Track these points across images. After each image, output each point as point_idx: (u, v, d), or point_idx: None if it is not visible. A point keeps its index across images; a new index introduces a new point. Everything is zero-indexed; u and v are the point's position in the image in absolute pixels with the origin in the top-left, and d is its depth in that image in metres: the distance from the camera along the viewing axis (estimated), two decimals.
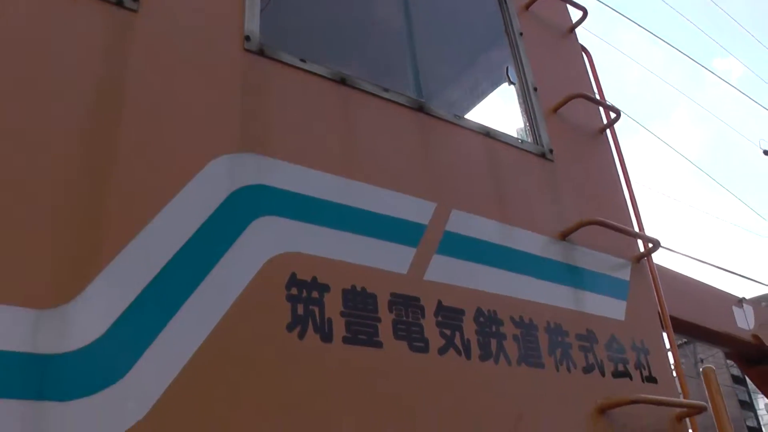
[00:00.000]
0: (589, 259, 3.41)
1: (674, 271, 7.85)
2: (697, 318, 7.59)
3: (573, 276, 3.27)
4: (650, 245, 3.72)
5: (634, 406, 3.04)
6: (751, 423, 37.30)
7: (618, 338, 3.27)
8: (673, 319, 7.18)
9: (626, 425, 3.05)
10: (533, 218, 3.29)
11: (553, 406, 2.85)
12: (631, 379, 3.21)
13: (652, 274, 3.79)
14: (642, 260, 3.72)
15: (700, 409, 3.30)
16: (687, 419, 3.38)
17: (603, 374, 3.10)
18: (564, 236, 3.34)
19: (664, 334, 3.70)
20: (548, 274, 3.16)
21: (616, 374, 3.16)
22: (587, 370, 3.05)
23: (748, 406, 37.23)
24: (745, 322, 8.77)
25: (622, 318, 3.37)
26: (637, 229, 3.87)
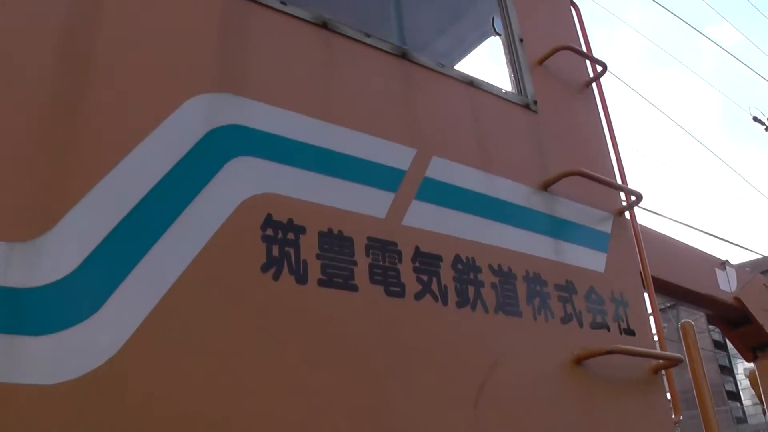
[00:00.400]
0: (570, 210, 3.39)
1: (657, 232, 7.87)
2: (678, 278, 7.62)
3: (553, 226, 3.26)
4: (633, 198, 3.71)
5: (610, 357, 3.05)
6: (730, 387, 37.70)
7: (597, 290, 3.27)
8: (654, 279, 7.24)
9: (602, 376, 3.06)
10: (515, 168, 3.26)
11: (529, 355, 2.85)
12: (608, 330, 3.22)
13: (634, 227, 3.78)
14: (624, 213, 3.71)
15: (676, 362, 3.31)
16: (663, 372, 3.40)
17: (581, 325, 3.10)
18: (546, 187, 3.31)
19: (646, 295, 3.71)
20: (528, 224, 3.14)
21: (594, 325, 3.17)
22: (565, 320, 3.05)
23: (728, 370, 37.54)
24: (727, 284, 8.82)
25: (602, 270, 3.36)
26: (620, 182, 3.85)
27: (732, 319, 9.05)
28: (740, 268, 9.29)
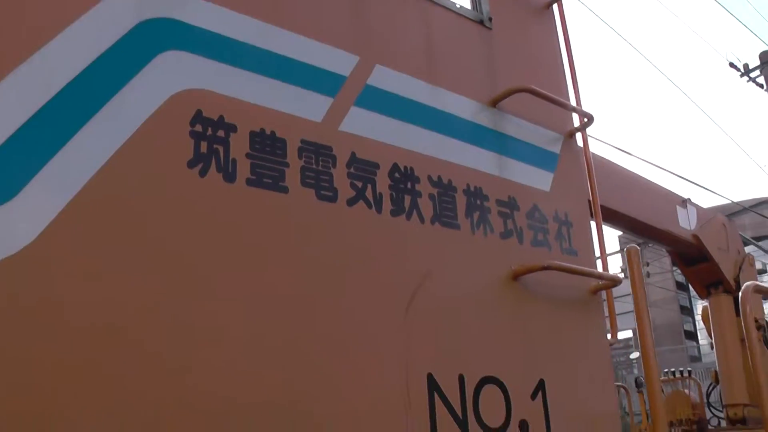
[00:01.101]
0: (519, 128, 3.35)
1: (620, 166, 7.89)
2: (636, 211, 7.67)
3: (500, 143, 3.22)
4: (585, 120, 3.68)
5: (550, 276, 3.06)
6: (688, 327, 38.66)
7: (540, 208, 3.26)
8: (611, 210, 7.28)
9: (539, 293, 3.07)
10: (463, 82, 3.20)
11: (464, 267, 2.85)
12: (549, 249, 3.22)
13: (585, 149, 3.75)
14: (575, 136, 3.68)
15: (614, 282, 3.33)
16: (603, 293, 3.43)
17: (521, 241, 3.10)
18: (494, 103, 3.26)
19: (607, 228, 3.72)
20: (473, 139, 3.10)
21: (535, 243, 3.17)
22: (505, 235, 3.04)
23: (688, 311, 38.46)
24: (687, 222, 8.89)
25: (548, 189, 3.35)
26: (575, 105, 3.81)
27: (689, 257, 9.16)
28: (702, 207, 9.37)
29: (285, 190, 2.41)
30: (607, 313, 3.63)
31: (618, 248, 28.02)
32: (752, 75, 22.38)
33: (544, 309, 3.09)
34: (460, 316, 2.76)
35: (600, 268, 3.55)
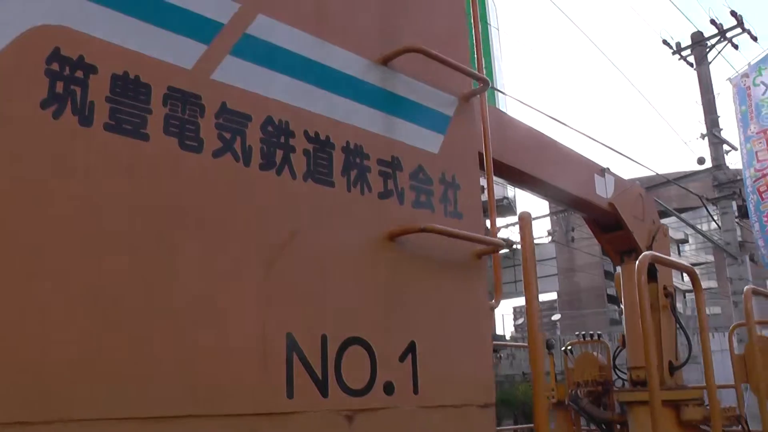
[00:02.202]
0: (410, 88, 3.32)
1: (537, 131, 7.96)
2: (551, 177, 7.78)
3: (388, 102, 3.19)
4: (481, 85, 3.66)
5: (432, 238, 3.07)
6: (611, 291, 39.72)
7: (426, 169, 3.24)
8: (523, 173, 7.37)
9: (419, 255, 3.07)
10: (354, 38, 3.13)
11: (336, 226, 2.82)
12: (432, 211, 3.22)
13: (482, 113, 3.74)
14: (472, 99, 3.67)
15: (497, 247, 3.37)
16: (489, 259, 3.46)
17: (401, 202, 3.09)
18: (385, 61, 3.23)
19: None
20: (359, 96, 3.06)
21: (417, 204, 3.16)
22: (384, 195, 3.03)
23: (611, 276, 39.52)
24: (604, 190, 9.06)
25: (436, 151, 3.34)
26: (476, 70, 3.79)
27: (605, 224, 9.35)
28: (620, 177, 9.55)
29: (146, 137, 2.34)
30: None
31: (548, 212, 28.57)
32: (684, 54, 22.88)
33: (422, 272, 3.10)
34: (327, 275, 2.74)
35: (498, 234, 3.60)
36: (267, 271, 2.54)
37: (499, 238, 3.41)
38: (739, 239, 21.55)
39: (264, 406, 2.42)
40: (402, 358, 2.88)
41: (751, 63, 16.36)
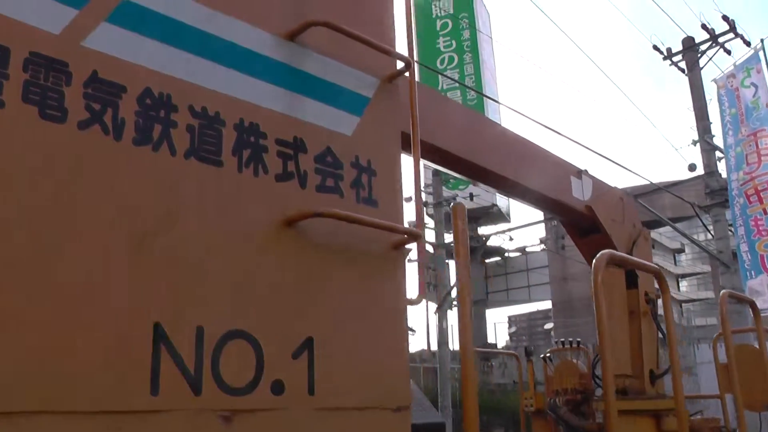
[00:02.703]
0: (321, 66, 3.08)
1: (508, 130, 7.76)
2: (522, 177, 7.56)
3: (293, 79, 2.95)
4: (402, 65, 3.43)
5: (343, 227, 2.84)
6: None
7: (336, 152, 3.01)
8: (489, 172, 7.13)
9: (324, 244, 2.83)
10: (254, 11, 2.91)
11: (222, 208, 2.57)
12: (341, 196, 2.98)
13: (411, 96, 3.49)
14: (396, 80, 3.44)
15: (415, 237, 3.13)
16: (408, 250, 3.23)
17: (303, 186, 2.85)
18: (291, 37, 3.00)
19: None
20: (258, 72, 2.82)
21: (322, 188, 2.92)
22: (282, 178, 2.79)
23: None
24: (581, 192, 8.83)
25: (349, 133, 3.11)
26: (406, 53, 3.55)
27: (582, 227, 9.11)
28: (599, 180, 9.32)
29: (1, 105, 2.14)
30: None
31: (542, 218, 28.29)
32: (675, 59, 22.66)
33: (328, 262, 2.85)
34: (209, 261, 2.50)
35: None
36: (135, 254, 2.31)
37: (414, 229, 3.15)
38: (733, 248, 21.33)
39: (123, 403, 2.19)
40: (296, 355, 2.64)
41: (737, 63, 16.10)
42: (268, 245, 2.68)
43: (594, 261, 4.00)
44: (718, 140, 20.38)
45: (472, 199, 31.19)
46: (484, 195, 34.93)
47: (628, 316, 9.19)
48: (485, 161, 6.99)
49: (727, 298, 5.70)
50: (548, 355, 10.53)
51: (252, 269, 2.61)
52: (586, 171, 9.08)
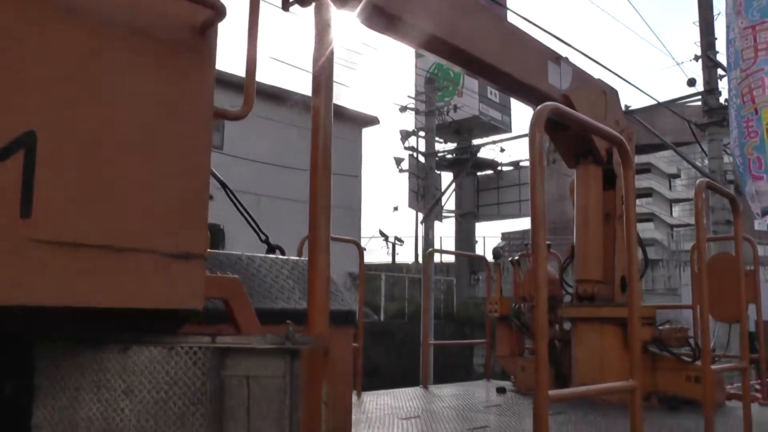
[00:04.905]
0: None
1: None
2: (488, 54, 6.77)
3: None
4: None
5: None
6: None
7: None
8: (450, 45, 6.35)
9: (76, 16, 1.97)
10: None
11: None
12: None
13: None
14: None
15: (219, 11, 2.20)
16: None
17: None
18: None
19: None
20: None
21: None
22: None
23: None
24: (558, 80, 8.07)
25: None
26: None
27: (558, 121, 8.37)
28: (581, 69, 8.54)
29: None
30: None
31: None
32: None
33: (80, 41, 1.93)
34: None
35: None
36: None
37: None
38: (725, 169, 20.68)
39: None
40: (3, 156, 1.79)
41: None
42: None
43: (533, 115, 3.26)
44: (721, 57, 19.39)
45: (455, 111, 30.27)
46: (468, 106, 34.07)
47: (603, 218, 8.59)
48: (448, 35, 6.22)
49: (705, 188, 4.99)
50: (517, 258, 9.92)
51: None
52: (566, 58, 8.30)
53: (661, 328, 7.83)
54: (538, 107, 3.35)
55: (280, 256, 3.70)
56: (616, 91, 9.01)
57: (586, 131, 4.01)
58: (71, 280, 1.76)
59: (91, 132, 1.89)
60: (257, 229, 3.84)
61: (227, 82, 12.77)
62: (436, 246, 26.67)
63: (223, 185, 3.72)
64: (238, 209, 3.77)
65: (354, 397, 7.42)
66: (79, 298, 1.78)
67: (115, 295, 1.84)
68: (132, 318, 1.98)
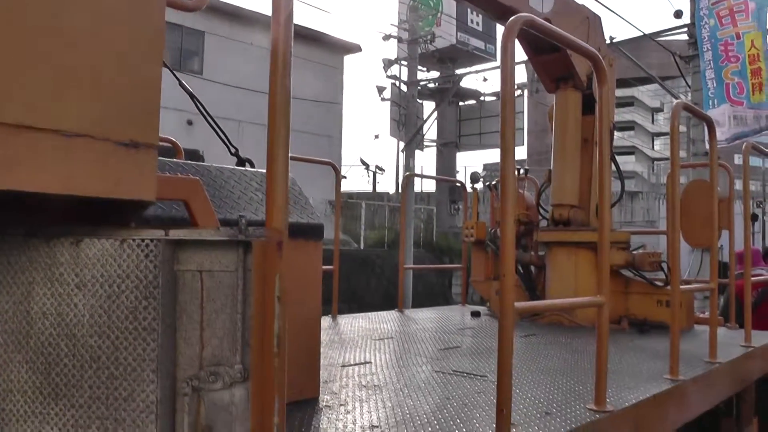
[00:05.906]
0: None
1: None
2: None
3: None
4: None
5: None
6: None
7: None
8: None
9: None
10: None
11: None
12: None
13: None
14: None
15: None
16: None
17: None
18: None
19: None
20: None
21: None
22: None
23: None
24: (540, 3, 7.94)
25: None
26: None
27: (539, 44, 8.27)
28: None
29: None
30: None
31: (524, 59, 27.20)
32: None
33: None
34: None
35: None
36: None
37: None
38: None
39: None
40: None
41: None
42: None
43: (507, 22, 3.18)
44: None
45: (433, 41, 29.81)
46: (449, 34, 33.57)
47: (581, 143, 8.56)
48: None
49: (681, 110, 4.94)
50: (494, 183, 9.90)
51: None
52: None
53: (634, 252, 7.88)
54: (512, 17, 3.27)
55: (250, 169, 3.66)
56: (600, 18, 8.89)
57: (561, 45, 3.92)
58: (13, 164, 1.67)
59: (37, 11, 1.77)
60: (227, 142, 3.77)
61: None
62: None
63: (191, 96, 3.65)
64: (208, 121, 3.70)
65: (329, 320, 7.47)
66: (23, 183, 1.70)
67: (61, 181, 1.76)
68: (83, 211, 1.94)
